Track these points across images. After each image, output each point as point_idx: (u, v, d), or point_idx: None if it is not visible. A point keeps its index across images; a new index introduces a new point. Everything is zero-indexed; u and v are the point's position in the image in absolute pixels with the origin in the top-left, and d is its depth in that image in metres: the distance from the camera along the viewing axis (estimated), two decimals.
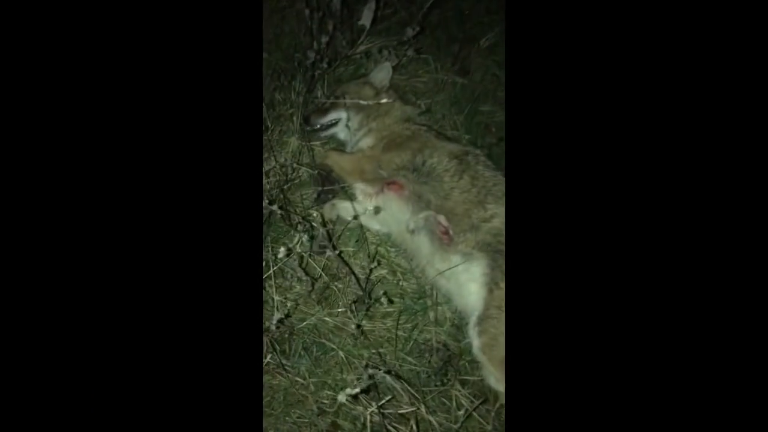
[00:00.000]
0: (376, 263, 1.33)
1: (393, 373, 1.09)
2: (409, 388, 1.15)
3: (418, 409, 1.14)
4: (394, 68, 1.64)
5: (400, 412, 1.08)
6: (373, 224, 1.50)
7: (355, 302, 1.31)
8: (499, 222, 1.30)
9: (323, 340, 1.29)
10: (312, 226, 1.19)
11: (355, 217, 1.36)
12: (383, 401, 1.02)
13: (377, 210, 1.33)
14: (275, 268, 1.18)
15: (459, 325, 1.34)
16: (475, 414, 1.21)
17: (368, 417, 1.02)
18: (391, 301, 1.28)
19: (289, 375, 1.23)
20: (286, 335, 1.29)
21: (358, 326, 1.24)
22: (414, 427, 1.04)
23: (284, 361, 1.24)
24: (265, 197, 1.14)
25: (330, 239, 1.19)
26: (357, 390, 0.84)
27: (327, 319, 1.31)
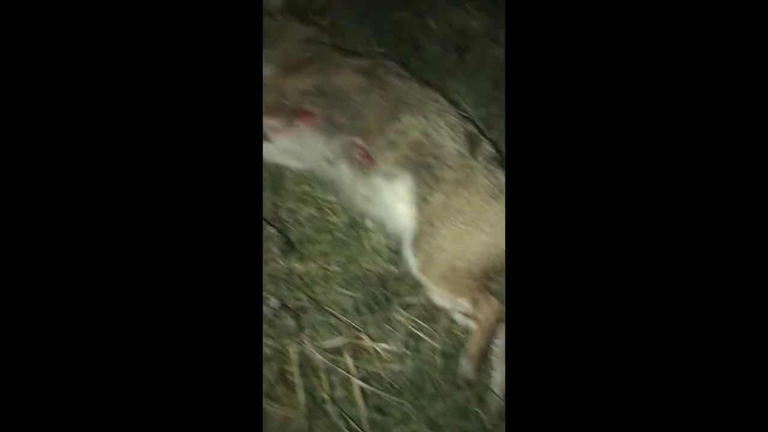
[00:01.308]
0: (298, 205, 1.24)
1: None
2: (346, 319, 1.10)
3: (359, 339, 1.10)
4: None
5: (325, 346, 1.02)
6: (292, 162, 1.38)
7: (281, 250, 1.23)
8: (417, 133, 1.20)
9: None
10: None
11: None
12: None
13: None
14: None
15: (396, 250, 1.28)
16: (422, 335, 1.17)
17: (293, 357, 0.96)
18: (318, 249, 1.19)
19: None
20: None
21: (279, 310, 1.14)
22: (350, 361, 0.99)
23: None
24: None
25: None
26: None
27: None
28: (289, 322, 1.07)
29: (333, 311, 1.14)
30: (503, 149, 1.36)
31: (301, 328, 1.02)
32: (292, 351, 0.99)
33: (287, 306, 1.11)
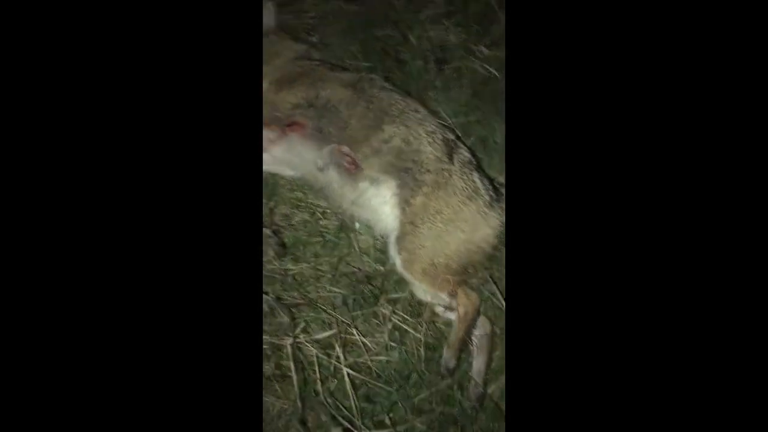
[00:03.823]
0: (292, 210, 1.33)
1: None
2: (337, 315, 1.19)
3: (350, 333, 1.19)
4: (279, 6, 1.57)
5: (316, 337, 1.11)
6: (286, 171, 1.48)
7: (276, 252, 1.32)
8: (398, 141, 1.30)
9: None
10: None
11: None
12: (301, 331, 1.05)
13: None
14: None
15: (383, 250, 1.37)
16: (407, 328, 1.26)
17: (289, 349, 1.05)
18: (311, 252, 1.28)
19: None
20: None
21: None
22: (340, 351, 1.08)
23: None
24: None
25: None
26: None
27: None
28: (284, 319, 1.16)
29: (324, 308, 1.23)
30: (480, 155, 1.47)
31: (295, 324, 1.11)
32: (287, 344, 1.08)
33: (281, 300, 1.20)
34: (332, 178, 1.36)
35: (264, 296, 1.20)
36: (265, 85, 1.45)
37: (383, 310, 1.26)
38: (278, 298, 1.25)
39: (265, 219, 1.40)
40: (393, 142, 1.29)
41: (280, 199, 1.45)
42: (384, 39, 1.66)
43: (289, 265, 1.33)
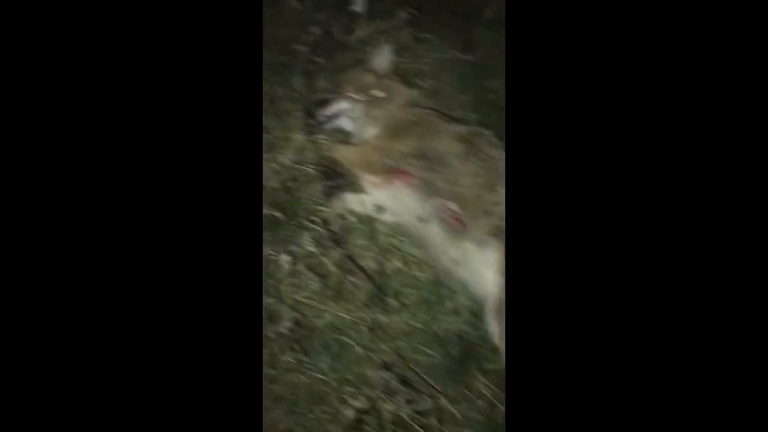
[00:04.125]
0: (387, 257, 1.32)
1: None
2: (428, 380, 1.14)
3: (439, 401, 1.13)
4: (395, 51, 1.59)
5: (417, 409, 1.07)
6: (384, 216, 1.47)
7: (370, 298, 1.30)
8: None
9: (342, 337, 1.28)
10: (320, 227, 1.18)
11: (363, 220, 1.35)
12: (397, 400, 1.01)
13: (380, 210, 1.30)
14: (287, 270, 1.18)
15: (477, 313, 1.31)
16: (496, 402, 1.19)
17: (385, 415, 1.01)
18: (402, 303, 1.27)
19: (311, 372, 1.23)
20: (304, 333, 1.29)
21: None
22: (435, 421, 1.03)
23: (304, 359, 1.25)
24: (266, 200, 1.12)
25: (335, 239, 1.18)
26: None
27: (343, 315, 1.31)
28: (376, 374, 1.13)
29: (415, 369, 1.19)
30: None
31: (389, 390, 1.07)
32: (385, 410, 1.05)
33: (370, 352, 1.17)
34: (434, 232, 1.33)
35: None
36: (376, 130, 1.47)
37: (474, 381, 1.20)
38: (366, 349, 1.23)
39: (359, 261, 1.39)
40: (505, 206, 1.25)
41: (375, 243, 1.44)
42: (495, 91, 1.63)
43: (380, 315, 1.30)
